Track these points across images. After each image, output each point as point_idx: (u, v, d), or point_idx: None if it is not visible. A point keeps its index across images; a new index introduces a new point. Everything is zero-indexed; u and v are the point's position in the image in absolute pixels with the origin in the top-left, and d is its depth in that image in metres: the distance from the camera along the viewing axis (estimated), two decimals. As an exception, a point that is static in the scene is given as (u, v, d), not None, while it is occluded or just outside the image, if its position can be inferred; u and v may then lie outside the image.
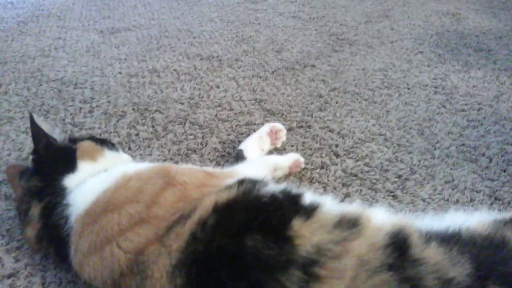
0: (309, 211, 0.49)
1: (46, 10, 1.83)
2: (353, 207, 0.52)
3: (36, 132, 0.66)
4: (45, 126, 0.68)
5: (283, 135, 0.89)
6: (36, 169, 0.66)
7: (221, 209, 0.50)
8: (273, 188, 0.55)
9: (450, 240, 0.47)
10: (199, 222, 0.48)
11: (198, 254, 0.46)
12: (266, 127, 0.88)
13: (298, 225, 0.46)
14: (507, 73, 1.26)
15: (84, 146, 0.68)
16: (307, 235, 0.45)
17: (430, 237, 0.47)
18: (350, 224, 0.47)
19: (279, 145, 0.89)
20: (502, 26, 1.67)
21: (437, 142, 0.93)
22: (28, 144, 0.91)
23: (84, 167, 0.65)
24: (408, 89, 1.17)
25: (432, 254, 0.44)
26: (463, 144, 0.92)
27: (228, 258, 0.45)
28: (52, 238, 0.59)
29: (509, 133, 0.96)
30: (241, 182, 0.56)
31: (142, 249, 0.48)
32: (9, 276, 0.62)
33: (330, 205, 0.52)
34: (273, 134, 0.87)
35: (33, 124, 0.66)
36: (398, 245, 0.45)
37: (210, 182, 0.58)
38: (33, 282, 0.62)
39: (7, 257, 0.65)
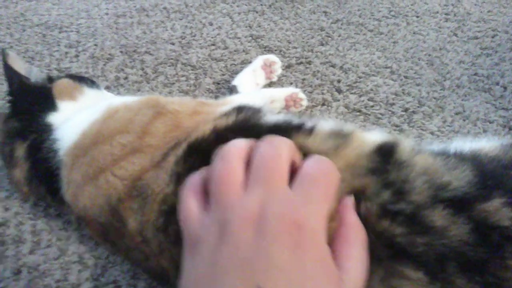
0: (309, 130, 0.44)
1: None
2: (346, 125, 0.47)
3: (8, 72, 0.63)
4: (20, 64, 0.64)
5: (278, 68, 0.83)
6: (13, 110, 0.63)
7: (220, 132, 0.46)
8: (275, 117, 0.50)
9: (449, 154, 0.41)
10: (196, 139, 0.45)
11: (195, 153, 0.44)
12: (260, 60, 0.82)
13: (299, 141, 0.42)
14: (525, -4, 1.16)
15: (61, 84, 0.65)
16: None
17: (424, 149, 0.41)
18: (340, 135, 0.43)
19: (275, 78, 0.83)
20: None
21: (448, 73, 0.86)
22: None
23: (65, 107, 0.62)
24: (417, 17, 1.08)
25: (423, 159, 0.39)
26: (475, 74, 0.86)
27: None
28: (41, 176, 0.57)
29: (526, 59, 0.89)
30: (239, 109, 0.52)
31: (138, 176, 0.47)
32: (-2, 225, 0.61)
33: (326, 123, 0.47)
34: (267, 67, 0.81)
35: (5, 63, 0.62)
36: (383, 151, 0.40)
37: (203, 109, 0.54)
38: (23, 231, 0.60)
39: (-4, 207, 0.63)
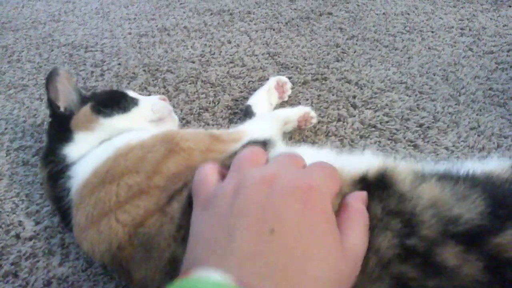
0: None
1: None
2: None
3: (47, 94, 0.64)
4: (68, 84, 0.65)
5: (289, 88, 0.86)
6: (47, 133, 0.66)
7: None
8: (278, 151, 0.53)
9: (458, 178, 0.39)
10: None
11: None
12: (273, 80, 0.85)
13: None
14: (542, 9, 1.16)
15: (79, 114, 0.63)
16: None
17: (429, 175, 0.39)
18: None
19: (286, 98, 0.86)
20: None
21: (463, 88, 0.87)
22: (43, 110, 0.91)
23: (82, 138, 0.61)
24: (432, 32, 1.10)
25: (429, 190, 0.36)
26: (490, 88, 0.86)
27: None
28: (58, 209, 0.59)
29: (542, 73, 0.89)
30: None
31: (141, 221, 0.45)
32: (30, 238, 0.64)
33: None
34: (280, 87, 0.84)
35: (47, 85, 0.64)
36: (377, 181, 0.40)
37: (216, 148, 0.54)
38: (52, 244, 0.63)
39: (28, 221, 0.67)
